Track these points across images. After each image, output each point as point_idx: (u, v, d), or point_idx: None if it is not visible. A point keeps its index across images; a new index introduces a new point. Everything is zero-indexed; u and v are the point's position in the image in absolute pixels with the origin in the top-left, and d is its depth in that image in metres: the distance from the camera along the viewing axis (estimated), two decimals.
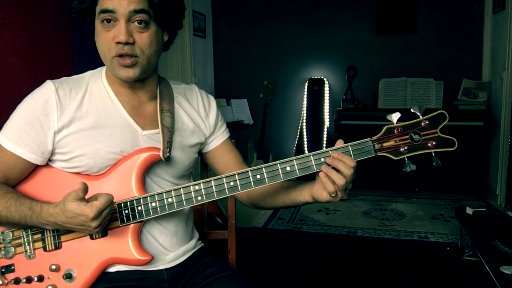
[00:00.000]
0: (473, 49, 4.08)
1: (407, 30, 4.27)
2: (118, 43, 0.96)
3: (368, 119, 3.95)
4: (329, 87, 4.55)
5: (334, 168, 0.94)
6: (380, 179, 3.97)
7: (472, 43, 4.09)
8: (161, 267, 1.09)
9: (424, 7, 4.22)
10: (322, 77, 4.55)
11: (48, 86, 1.01)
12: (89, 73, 1.10)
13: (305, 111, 4.56)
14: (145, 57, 0.99)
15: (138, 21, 0.96)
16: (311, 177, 1.01)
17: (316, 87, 4.53)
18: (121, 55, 0.97)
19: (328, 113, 4.51)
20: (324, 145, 4.45)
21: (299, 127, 4.60)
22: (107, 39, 0.97)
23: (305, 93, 4.57)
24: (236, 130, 4.42)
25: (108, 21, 0.96)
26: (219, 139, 1.21)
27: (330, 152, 0.95)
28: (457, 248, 2.62)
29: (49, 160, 1.04)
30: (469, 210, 2.46)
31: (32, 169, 1.04)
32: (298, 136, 4.59)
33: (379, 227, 3.13)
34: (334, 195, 0.95)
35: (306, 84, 4.57)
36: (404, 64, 4.29)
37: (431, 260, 2.55)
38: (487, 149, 3.82)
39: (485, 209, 2.47)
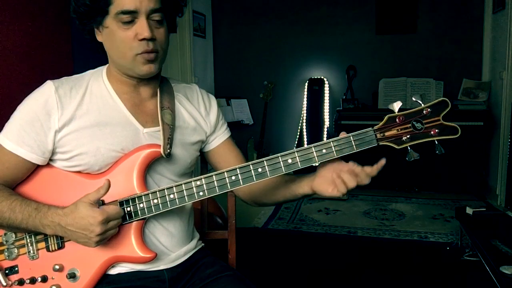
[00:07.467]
0: (473, 49, 4.08)
1: (407, 30, 4.28)
2: (143, 39, 0.96)
3: (368, 119, 3.94)
4: (329, 87, 4.56)
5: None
6: (380, 179, 3.91)
7: (472, 43, 4.09)
8: (162, 267, 1.09)
9: (424, 7, 4.22)
10: (322, 77, 4.55)
11: (48, 86, 1.01)
12: (89, 72, 1.10)
13: (305, 111, 4.56)
14: (163, 52, 1.02)
15: (156, 18, 0.98)
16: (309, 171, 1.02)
17: (316, 87, 4.53)
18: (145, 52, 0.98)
19: (328, 113, 4.51)
20: None
21: (299, 127, 4.60)
22: (128, 37, 0.97)
23: (305, 93, 4.57)
24: (236, 130, 4.40)
25: (129, 22, 0.96)
26: (220, 138, 1.21)
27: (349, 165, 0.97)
28: (457, 248, 2.62)
29: (50, 159, 1.04)
30: (469, 210, 2.46)
31: (32, 170, 1.04)
32: (298, 136, 4.59)
33: (379, 227, 3.13)
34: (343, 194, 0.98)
35: (306, 84, 4.57)
36: (404, 64, 4.29)
37: (431, 260, 2.55)
38: (487, 149, 3.82)
39: (485, 209, 2.46)
